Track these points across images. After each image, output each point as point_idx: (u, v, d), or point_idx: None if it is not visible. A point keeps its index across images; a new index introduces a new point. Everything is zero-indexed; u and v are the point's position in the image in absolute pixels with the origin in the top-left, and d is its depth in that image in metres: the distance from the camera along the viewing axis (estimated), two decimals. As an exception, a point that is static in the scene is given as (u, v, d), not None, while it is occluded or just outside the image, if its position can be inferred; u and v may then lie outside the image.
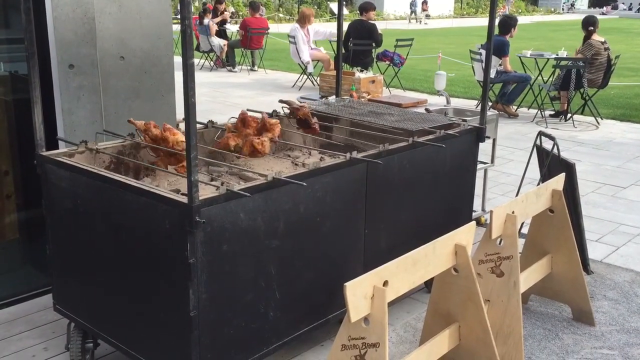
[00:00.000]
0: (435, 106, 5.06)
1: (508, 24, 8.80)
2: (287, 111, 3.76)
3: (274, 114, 3.75)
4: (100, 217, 2.57)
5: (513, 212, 2.88)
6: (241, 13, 27.09)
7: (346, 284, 2.05)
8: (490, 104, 9.30)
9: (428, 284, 3.64)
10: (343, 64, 11.08)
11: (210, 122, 3.44)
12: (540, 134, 3.91)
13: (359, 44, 10.39)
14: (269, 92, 11.23)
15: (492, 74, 8.89)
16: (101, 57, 3.72)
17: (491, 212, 2.81)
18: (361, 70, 9.65)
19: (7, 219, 3.87)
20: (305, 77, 11.50)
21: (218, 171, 3.26)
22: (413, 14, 35.37)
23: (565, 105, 8.89)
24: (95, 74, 3.71)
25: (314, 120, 3.55)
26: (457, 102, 9.26)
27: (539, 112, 8.92)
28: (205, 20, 13.66)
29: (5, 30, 4.05)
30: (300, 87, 11.44)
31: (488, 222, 2.94)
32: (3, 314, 3.41)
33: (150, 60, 4.00)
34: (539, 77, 9.21)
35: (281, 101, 3.77)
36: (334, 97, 5.43)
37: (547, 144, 3.90)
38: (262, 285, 2.52)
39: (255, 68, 13.70)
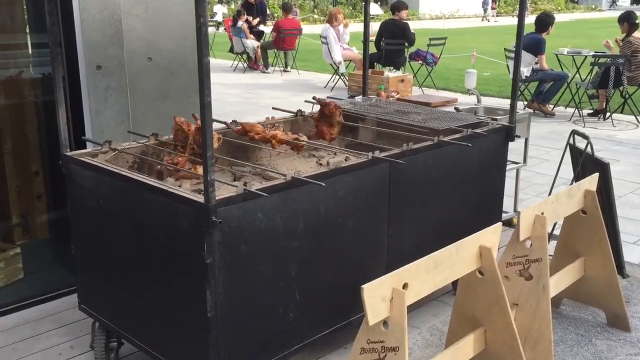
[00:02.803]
0: (465, 105, 4.96)
1: (545, 21, 8.60)
2: (314, 109, 3.73)
3: (298, 114, 3.72)
4: (123, 217, 2.58)
5: (542, 214, 2.79)
6: (276, 15, 27.19)
7: (363, 286, 2.00)
8: (526, 102, 9.12)
9: (456, 286, 3.56)
10: (375, 63, 11.05)
11: (234, 121, 3.42)
12: (574, 133, 3.79)
13: (391, 44, 10.30)
14: (301, 93, 11.22)
15: (528, 72, 8.70)
16: (128, 58, 3.75)
17: (519, 213, 2.72)
18: (390, 70, 9.57)
19: (37, 219, 3.94)
20: (337, 77, 11.46)
21: (241, 171, 3.24)
22: (484, 13, 34.87)
23: (604, 103, 8.63)
24: (123, 75, 3.74)
25: (338, 117, 3.50)
26: (491, 101, 9.08)
27: (577, 110, 8.69)
28: (239, 22, 13.74)
29: (37, 34, 4.12)
30: (332, 88, 11.40)
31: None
32: (32, 312, 3.46)
33: (177, 61, 4.02)
34: (577, 75, 8.97)
35: (314, 98, 3.75)
36: (360, 96, 5.38)
37: (581, 143, 3.77)
38: (281, 286, 2.49)
39: (288, 69, 13.72)
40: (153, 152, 3.02)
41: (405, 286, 2.14)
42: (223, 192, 2.26)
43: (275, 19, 25.63)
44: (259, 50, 13.81)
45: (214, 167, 2.13)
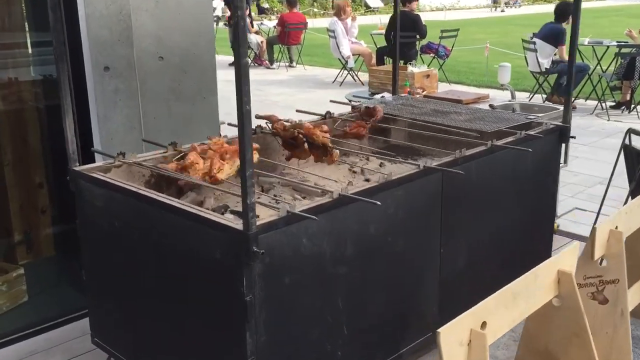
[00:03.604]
0: (497, 101, 4.62)
1: (565, 10, 8.22)
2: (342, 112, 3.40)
3: (327, 116, 3.37)
4: (141, 241, 2.24)
5: (617, 227, 2.45)
6: (275, 9, 26.79)
7: (440, 330, 1.67)
8: (545, 96, 8.77)
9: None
10: (385, 57, 10.68)
11: (259, 127, 3.08)
12: (630, 131, 3.44)
13: (403, 36, 9.91)
14: (309, 89, 10.87)
15: (547, 64, 8.35)
16: (138, 57, 3.41)
17: (594, 229, 2.38)
18: (413, 65, 9.19)
19: (42, 235, 3.61)
20: (346, 72, 11.09)
21: (269, 182, 2.91)
22: (494, 2, 34.28)
23: (628, 95, 8.28)
24: (133, 76, 3.40)
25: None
26: (507, 96, 8.71)
27: (599, 103, 8.33)
28: (242, 17, 13.36)
29: (36, 32, 3.78)
30: (341, 83, 11.04)
31: (587, 238, 2.52)
32: (39, 341, 3.13)
33: (190, 59, 3.68)
34: (598, 66, 8.61)
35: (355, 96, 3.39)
36: (384, 94, 5.02)
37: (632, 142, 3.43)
38: (328, 320, 2.15)
39: (294, 64, 13.35)
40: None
41: (483, 325, 1.80)
42: (259, 211, 1.93)
43: (276, 13, 25.27)
44: (264, 45, 13.44)
45: (253, 188, 1.79)
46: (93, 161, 2.99)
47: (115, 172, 2.48)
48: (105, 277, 2.49)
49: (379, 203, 2.01)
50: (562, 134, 3.14)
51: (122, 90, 3.37)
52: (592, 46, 8.81)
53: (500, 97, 5.30)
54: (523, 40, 8.74)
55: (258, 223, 1.84)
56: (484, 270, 2.84)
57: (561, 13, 8.25)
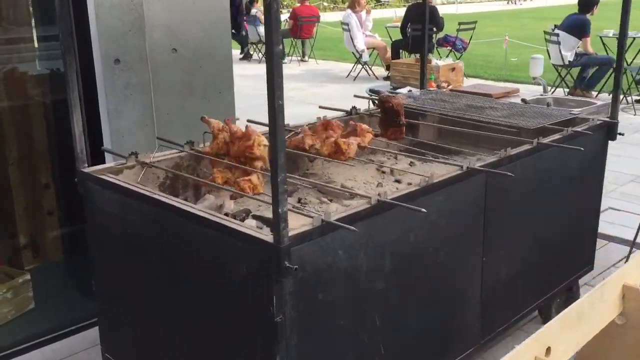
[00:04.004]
0: (526, 96, 4.38)
1: (589, 1, 7.94)
2: (371, 106, 3.16)
3: (353, 112, 3.14)
4: (156, 251, 2.03)
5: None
6: (285, 2, 26.51)
7: (503, 359, 1.44)
8: (567, 89, 8.49)
9: (542, 311, 3.00)
10: (401, 51, 10.42)
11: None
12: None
13: (419, 29, 9.66)
14: (322, 84, 10.64)
15: (571, 57, 8.07)
16: (151, 49, 3.19)
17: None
18: (439, 57, 8.95)
19: (48, 238, 3.41)
20: (360, 66, 10.84)
21: (292, 184, 2.68)
22: None
23: (654, 89, 8.00)
24: (145, 69, 3.19)
25: (402, 118, 2.94)
26: (524, 89, 8.42)
27: (624, 97, 8.05)
28: (253, 10, 13.13)
29: (43, 23, 3.57)
30: (355, 77, 10.80)
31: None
32: (46, 352, 2.93)
33: (205, 51, 3.47)
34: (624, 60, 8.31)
35: (372, 91, 3.16)
36: (407, 87, 4.79)
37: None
38: (364, 340, 1.93)
39: (306, 58, 13.11)
40: (188, 165, 2.46)
41: (548, 352, 1.58)
42: (290, 219, 1.70)
43: (285, 6, 24.99)
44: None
45: (286, 196, 1.57)
46: (103, 160, 2.79)
47: (127, 174, 2.27)
48: (116, 289, 2.28)
49: (424, 211, 1.78)
50: (609, 131, 2.89)
51: (134, 84, 3.16)
52: (617, 38, 8.49)
53: (526, 91, 5.06)
54: (545, 32, 8.46)
55: (290, 234, 1.62)
56: (526, 279, 2.61)
57: (586, 3, 7.97)
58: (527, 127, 2.71)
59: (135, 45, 3.10)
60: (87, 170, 2.25)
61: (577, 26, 7.91)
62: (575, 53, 8.09)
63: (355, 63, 10.90)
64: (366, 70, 10.92)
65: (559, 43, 7.99)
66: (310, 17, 12.48)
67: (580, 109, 3.68)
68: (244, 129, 2.36)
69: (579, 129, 2.71)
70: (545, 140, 2.53)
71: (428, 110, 3.19)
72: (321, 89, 10.12)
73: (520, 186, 2.44)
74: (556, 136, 2.61)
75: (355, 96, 3.56)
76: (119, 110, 3.13)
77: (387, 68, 10.89)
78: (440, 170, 2.80)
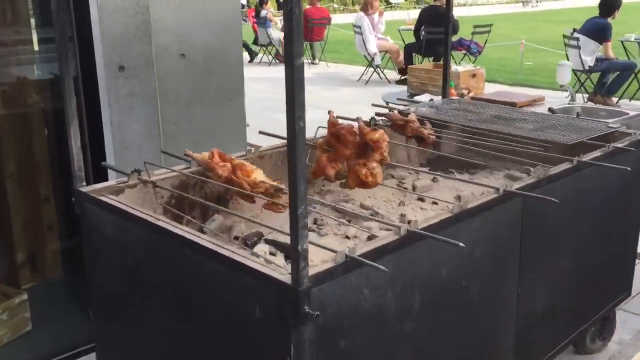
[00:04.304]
0: (553, 104, 4.15)
1: (611, 4, 7.69)
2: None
3: (372, 123, 2.93)
4: (159, 282, 1.83)
5: None
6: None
7: None
8: (587, 95, 8.24)
9: (577, 341, 2.77)
10: (414, 54, 10.20)
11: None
12: None
13: (433, 32, 9.45)
14: (334, 87, 10.44)
15: (592, 62, 7.82)
16: (157, 55, 3.00)
17: None
18: (435, 61, 8.71)
19: (48, 254, 3.22)
20: (372, 70, 10.63)
21: (312, 202, 2.48)
22: None
23: (677, 95, 7.74)
24: (151, 76, 3.00)
25: (428, 131, 2.73)
26: (540, 93, 8.16)
27: (648, 104, 7.79)
28: (263, 12, 12.95)
29: (43, 25, 3.38)
30: (367, 81, 10.59)
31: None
32: (43, 379, 2.74)
33: (214, 57, 3.28)
34: (645, 64, 8.07)
35: (378, 115, 2.95)
36: (425, 94, 4.58)
37: None
38: (391, 388, 1.72)
39: (316, 61, 12.90)
40: (196, 183, 2.26)
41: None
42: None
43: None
44: (285, 41, 13.01)
45: (306, 231, 1.36)
46: (105, 175, 2.60)
47: (129, 194, 2.07)
48: (115, 320, 2.08)
49: (462, 245, 1.56)
50: (652, 147, 2.67)
51: (139, 92, 2.96)
52: (638, 43, 8.26)
53: (547, 97, 4.84)
54: (564, 36, 8.22)
55: (310, 273, 1.41)
56: (562, 309, 2.40)
57: (607, 7, 7.72)
58: (564, 142, 2.49)
59: (141, 50, 2.91)
60: (85, 189, 2.05)
61: (597, 30, 7.67)
62: (596, 58, 7.85)
63: (367, 66, 10.69)
64: (378, 74, 10.71)
65: (579, 47, 7.74)
66: (321, 19, 12.28)
67: (613, 120, 3.45)
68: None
69: (621, 145, 2.48)
70: (586, 159, 2.31)
71: (452, 122, 2.98)
72: (332, 93, 9.91)
73: (558, 208, 2.22)
74: (596, 153, 2.39)
75: (374, 105, 3.35)
76: (123, 121, 2.94)
77: (400, 71, 10.67)
78: (467, 188, 2.61)
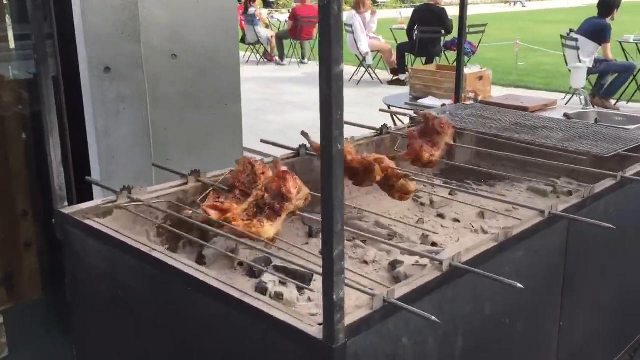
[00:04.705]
0: (567, 109, 3.94)
1: (609, 4, 7.52)
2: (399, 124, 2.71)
3: (384, 130, 2.68)
4: (156, 324, 1.56)
5: None
6: (281, 2, 26.02)
7: None
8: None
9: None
10: (407, 54, 9.98)
11: (303, 146, 2.40)
12: None
13: (427, 32, 9.24)
14: (324, 87, 10.17)
15: (590, 63, 7.64)
16: (147, 55, 2.73)
17: None
18: (429, 61, 8.53)
19: (26, 274, 2.92)
20: (364, 69, 10.38)
21: (318, 221, 2.22)
22: None
23: (677, 97, 7.58)
24: (140, 78, 2.72)
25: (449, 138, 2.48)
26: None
27: (648, 107, 7.65)
28: (251, 9, 12.65)
29: (20, 22, 3.09)
30: (359, 82, 10.34)
31: None
32: (19, 416, 2.46)
33: (209, 58, 3.02)
34: (644, 66, 7.90)
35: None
36: (429, 98, 4.35)
37: None
38: None
39: (306, 60, 12.63)
40: (193, 201, 1.99)
41: None
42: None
43: (281, 7, 24.46)
44: (274, 40, 12.73)
45: (343, 275, 1.10)
46: (90, 191, 2.33)
47: (118, 216, 1.80)
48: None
49: (519, 285, 1.32)
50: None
51: (127, 96, 2.69)
52: (637, 44, 8.09)
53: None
54: (562, 37, 8.03)
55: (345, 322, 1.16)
56: (604, 339, 2.17)
57: (606, 7, 7.54)
58: (600, 154, 2.26)
59: (129, 50, 2.63)
60: (68, 211, 1.78)
61: (596, 31, 7.49)
62: (595, 59, 7.67)
63: (359, 66, 10.44)
64: (370, 74, 10.47)
65: (577, 48, 7.56)
66: (311, 18, 12.01)
67: (636, 126, 3.24)
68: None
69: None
70: (629, 173, 2.08)
71: (466, 129, 2.74)
72: (324, 93, 9.65)
73: (601, 231, 1.98)
74: (638, 167, 2.16)
75: (382, 111, 3.10)
76: (109, 127, 2.67)
77: (392, 72, 10.44)
78: (489, 202, 2.36)
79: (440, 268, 1.40)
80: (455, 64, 6.36)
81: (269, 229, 1.55)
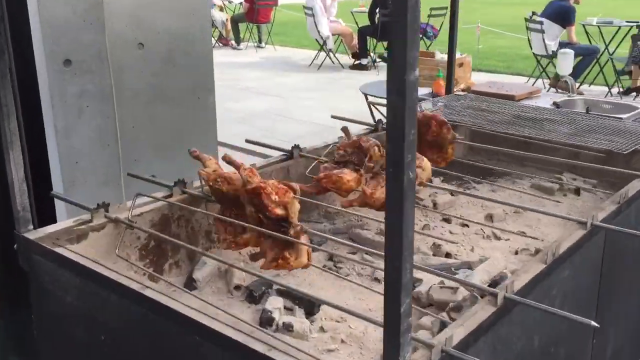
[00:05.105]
0: (555, 97, 3.80)
1: (574, -13, 7.47)
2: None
3: (379, 126, 2.45)
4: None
5: None
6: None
7: None
8: (549, 80, 8.03)
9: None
10: (368, 38, 9.76)
11: (296, 147, 2.15)
12: None
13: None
14: (285, 73, 9.87)
15: (554, 46, 7.59)
16: (111, 45, 2.42)
17: None
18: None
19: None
20: (324, 54, 10.12)
21: (320, 233, 1.99)
22: None
23: (639, 81, 7.60)
24: (105, 71, 2.42)
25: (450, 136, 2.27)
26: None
27: (609, 90, 7.65)
28: (205, -8, 12.16)
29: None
30: (320, 66, 10.08)
31: None
32: None
33: (179, 46, 2.75)
34: (607, 50, 7.90)
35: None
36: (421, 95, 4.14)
37: None
38: None
39: (263, 44, 12.28)
40: (180, 217, 1.73)
41: None
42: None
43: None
44: (229, 23, 12.30)
45: (410, 335, 0.87)
46: (52, 204, 2.03)
47: (95, 240, 1.53)
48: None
49: (595, 324, 1.12)
50: None
51: (91, 92, 2.40)
52: (599, 27, 8.08)
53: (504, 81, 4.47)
54: (526, 20, 7.95)
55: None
56: (629, 351, 2.02)
57: (570, -10, 7.49)
58: (619, 151, 2.10)
59: (92, 40, 2.33)
60: (34, 236, 1.49)
61: (561, 14, 7.43)
62: (559, 42, 7.63)
63: (319, 50, 10.17)
64: (330, 59, 10.21)
65: (543, 32, 7.49)
66: (268, 0, 11.64)
67: (628, 115, 3.11)
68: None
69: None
70: (655, 173, 1.92)
71: (463, 123, 2.55)
72: (284, 79, 9.36)
73: (633, 239, 1.82)
74: (662, 166, 2.00)
75: (372, 104, 2.87)
76: (70, 127, 2.37)
77: (354, 56, 10.22)
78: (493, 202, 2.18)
79: (494, 302, 1.19)
80: (429, 50, 6.17)
81: (301, 260, 1.33)
